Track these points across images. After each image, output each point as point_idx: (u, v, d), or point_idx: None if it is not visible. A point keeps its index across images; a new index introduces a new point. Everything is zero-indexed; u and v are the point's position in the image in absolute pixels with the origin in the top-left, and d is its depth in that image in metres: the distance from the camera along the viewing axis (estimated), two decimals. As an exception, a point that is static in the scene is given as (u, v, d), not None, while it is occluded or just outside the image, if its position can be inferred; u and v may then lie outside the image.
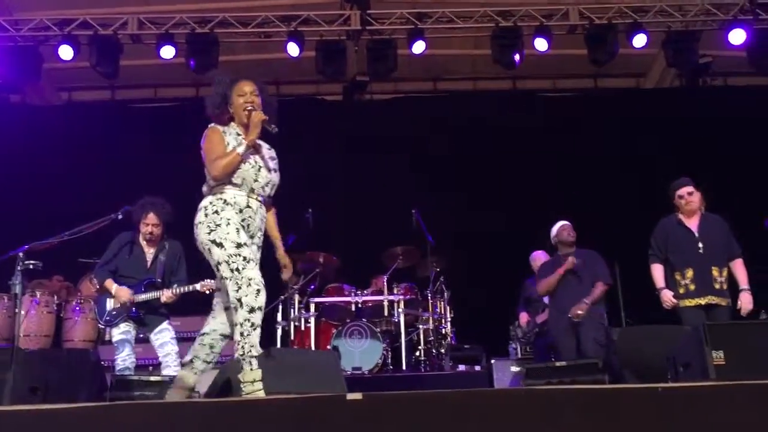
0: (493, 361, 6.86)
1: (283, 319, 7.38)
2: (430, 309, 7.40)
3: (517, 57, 7.93)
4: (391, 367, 7.00)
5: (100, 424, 2.81)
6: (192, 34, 7.78)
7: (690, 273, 5.13)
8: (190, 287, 5.41)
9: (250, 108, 3.74)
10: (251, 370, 3.48)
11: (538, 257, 7.01)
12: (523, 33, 7.96)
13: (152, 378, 4.42)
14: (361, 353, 6.87)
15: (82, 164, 9.14)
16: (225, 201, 3.64)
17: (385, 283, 7.44)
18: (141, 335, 5.46)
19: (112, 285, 5.32)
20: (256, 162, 3.74)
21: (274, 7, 8.37)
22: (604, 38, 7.92)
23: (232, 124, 3.82)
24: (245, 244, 3.56)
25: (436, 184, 9.31)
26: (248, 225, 3.67)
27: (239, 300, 3.46)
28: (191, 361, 3.75)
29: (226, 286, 3.54)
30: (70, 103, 10.29)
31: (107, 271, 5.40)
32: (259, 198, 3.75)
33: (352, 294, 7.45)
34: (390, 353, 7.09)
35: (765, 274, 6.45)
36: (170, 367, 5.21)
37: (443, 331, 7.53)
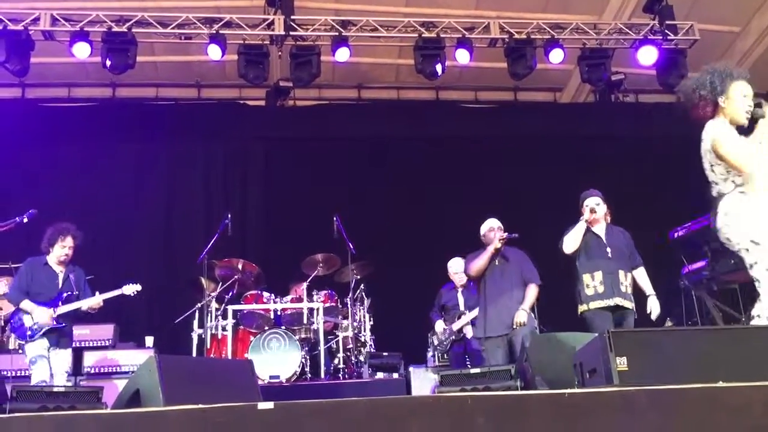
0: (411, 369, 6.91)
1: (199, 326, 7.22)
2: (350, 317, 7.39)
3: (439, 67, 8.04)
4: (309, 375, 6.94)
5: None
6: (108, 33, 7.53)
7: (599, 275, 5.35)
8: (116, 292, 5.80)
9: (749, 111, 3.70)
10: None
11: (456, 264, 7.11)
12: (445, 44, 8.08)
13: (55, 389, 4.24)
14: (278, 361, 6.79)
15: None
16: (755, 198, 3.63)
17: (305, 291, 7.39)
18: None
19: (29, 305, 5.57)
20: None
21: (196, 9, 8.22)
22: (523, 53, 8.12)
23: (719, 118, 3.75)
24: None
25: (357, 192, 9.36)
26: None
27: None
28: None
29: (758, 286, 3.57)
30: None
31: (21, 293, 5.64)
32: None
33: (271, 301, 7.37)
34: (308, 361, 7.03)
35: (671, 282, 6.77)
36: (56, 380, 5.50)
37: (362, 338, 7.52)
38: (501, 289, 5.89)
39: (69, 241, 5.73)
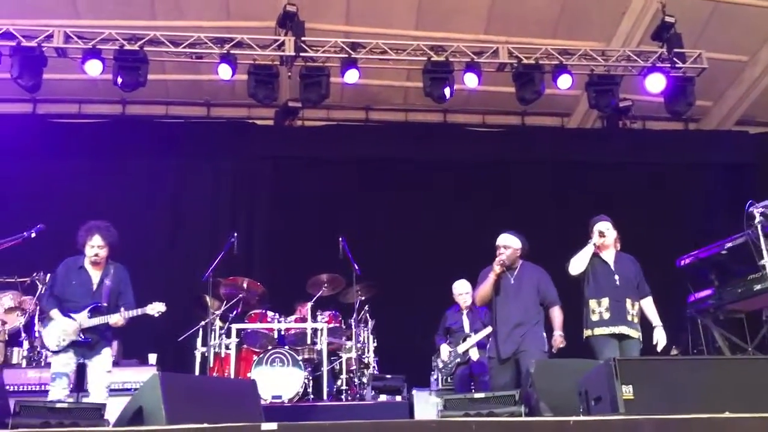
0: (414, 392, 6.86)
1: (203, 345, 7.22)
2: (354, 338, 7.36)
3: (447, 91, 8.07)
4: (311, 396, 6.91)
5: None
6: (120, 51, 7.59)
7: (606, 302, 5.32)
8: (139, 311, 5.37)
9: None
10: None
11: (461, 286, 7.09)
12: (454, 68, 8.12)
13: (58, 405, 4.23)
14: (281, 381, 6.75)
15: (-1, 178, 8.83)
16: None
17: (309, 311, 7.38)
18: (80, 361, 5.31)
19: (58, 316, 5.24)
20: None
21: (207, 29, 8.29)
22: (531, 78, 8.14)
23: None
24: None
25: (364, 213, 9.38)
26: None
27: None
28: None
29: None
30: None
31: (53, 298, 5.33)
32: None
33: (275, 321, 7.36)
34: (311, 382, 7.00)
35: (677, 311, 6.73)
36: (94, 396, 5.16)
37: (366, 360, 7.49)
38: (514, 308, 5.57)
39: (97, 240, 5.32)
